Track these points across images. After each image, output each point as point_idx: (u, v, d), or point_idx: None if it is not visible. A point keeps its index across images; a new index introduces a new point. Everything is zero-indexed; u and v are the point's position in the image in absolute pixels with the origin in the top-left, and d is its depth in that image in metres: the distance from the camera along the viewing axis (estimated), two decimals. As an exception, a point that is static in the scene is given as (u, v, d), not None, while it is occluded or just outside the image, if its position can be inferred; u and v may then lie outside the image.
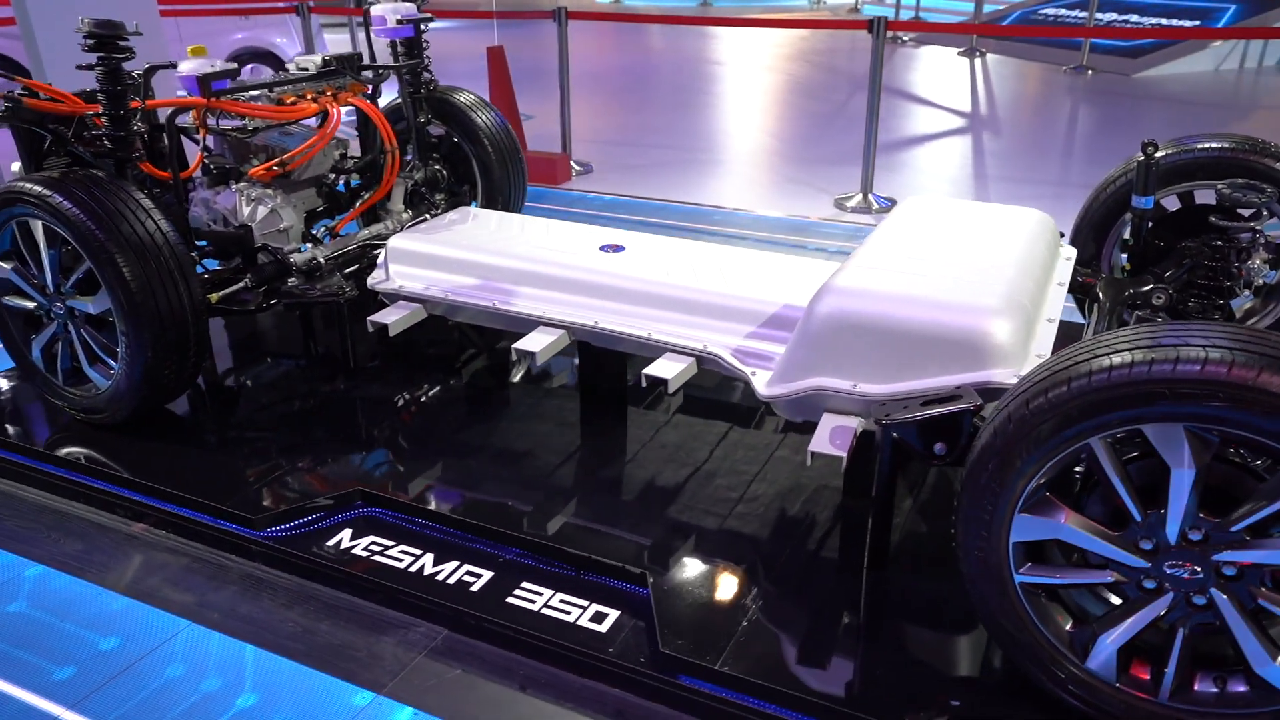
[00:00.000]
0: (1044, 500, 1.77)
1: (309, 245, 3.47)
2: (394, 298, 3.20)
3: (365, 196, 3.75)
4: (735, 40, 14.10)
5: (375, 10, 3.76)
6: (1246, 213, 2.82)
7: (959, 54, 12.26)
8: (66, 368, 3.07)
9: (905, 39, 13.43)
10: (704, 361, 2.71)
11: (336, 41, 9.40)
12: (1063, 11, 12.96)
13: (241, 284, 3.21)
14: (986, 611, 1.89)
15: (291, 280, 3.29)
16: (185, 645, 2.35)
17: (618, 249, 3.12)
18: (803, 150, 7.49)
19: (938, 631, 2.21)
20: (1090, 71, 10.61)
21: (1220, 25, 11.28)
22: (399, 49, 3.89)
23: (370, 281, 3.29)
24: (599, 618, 2.30)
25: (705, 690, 2.08)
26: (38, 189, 2.75)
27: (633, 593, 2.38)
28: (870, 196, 5.86)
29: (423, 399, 3.31)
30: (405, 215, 3.87)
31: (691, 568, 2.43)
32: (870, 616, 2.27)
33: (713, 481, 2.83)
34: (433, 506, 2.69)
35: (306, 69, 3.60)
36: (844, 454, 2.23)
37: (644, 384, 2.68)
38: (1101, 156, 7.12)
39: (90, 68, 2.91)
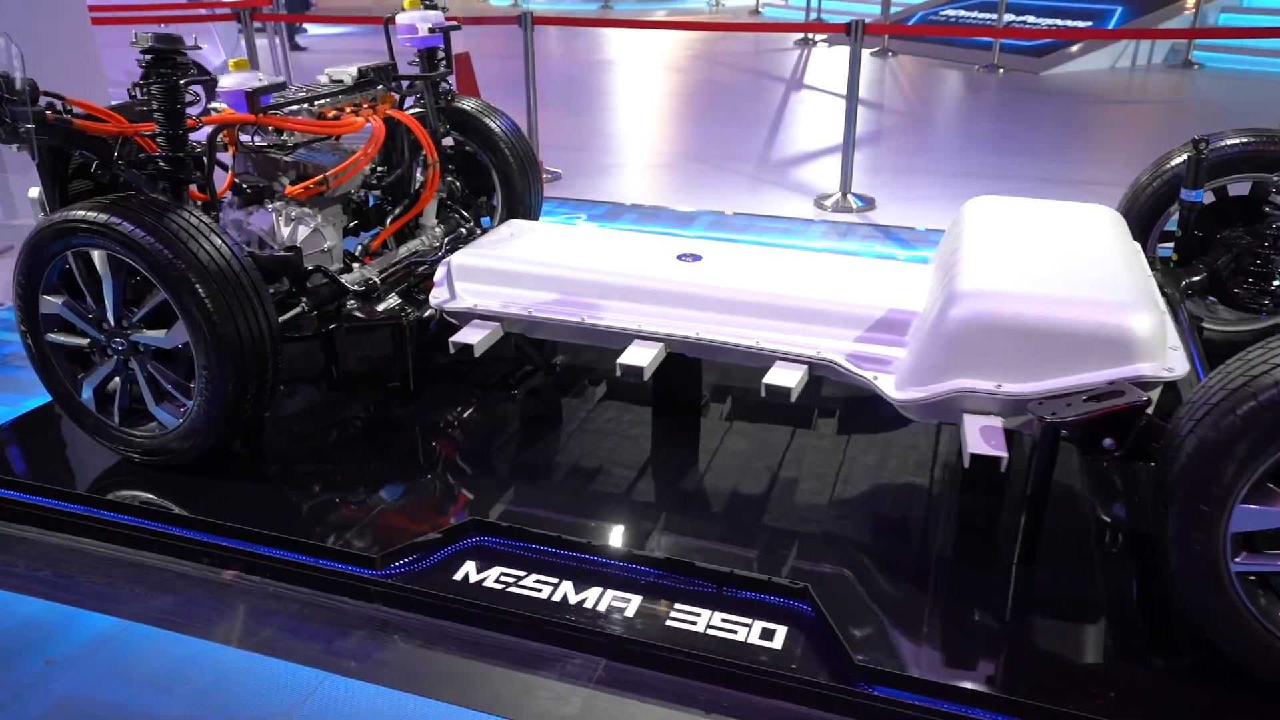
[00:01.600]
0: (1266, 491, 1.84)
1: (357, 265, 3.31)
2: (465, 317, 3.09)
3: (396, 212, 3.60)
4: (639, 42, 14.13)
5: (403, 19, 3.62)
6: None
7: (872, 54, 12.62)
8: (124, 407, 2.84)
9: (817, 40, 13.75)
10: (817, 368, 2.72)
11: (261, 47, 8.97)
12: (962, 12, 13.53)
13: (298, 309, 3.03)
14: (1197, 600, 1.96)
15: (351, 304, 3.13)
16: (330, 697, 2.21)
17: (695, 258, 3.09)
18: (763, 151, 7.58)
19: (1105, 622, 2.26)
20: (1001, 70, 11.10)
21: (1111, 26, 11.97)
22: (420, 59, 3.76)
23: (436, 301, 3.16)
24: (768, 634, 2.27)
25: (904, 700, 2.08)
26: (103, 217, 2.53)
27: (793, 607, 2.36)
28: (850, 196, 5.98)
29: (497, 419, 3.20)
30: (438, 230, 3.74)
31: (841, 577, 2.42)
32: (1040, 611, 2.30)
33: (798, 487, 2.84)
34: (551, 531, 2.60)
35: (341, 80, 3.44)
36: (1005, 454, 2.26)
37: (764, 394, 2.66)
38: (1031, 149, 7.46)
39: (145, 85, 2.70)
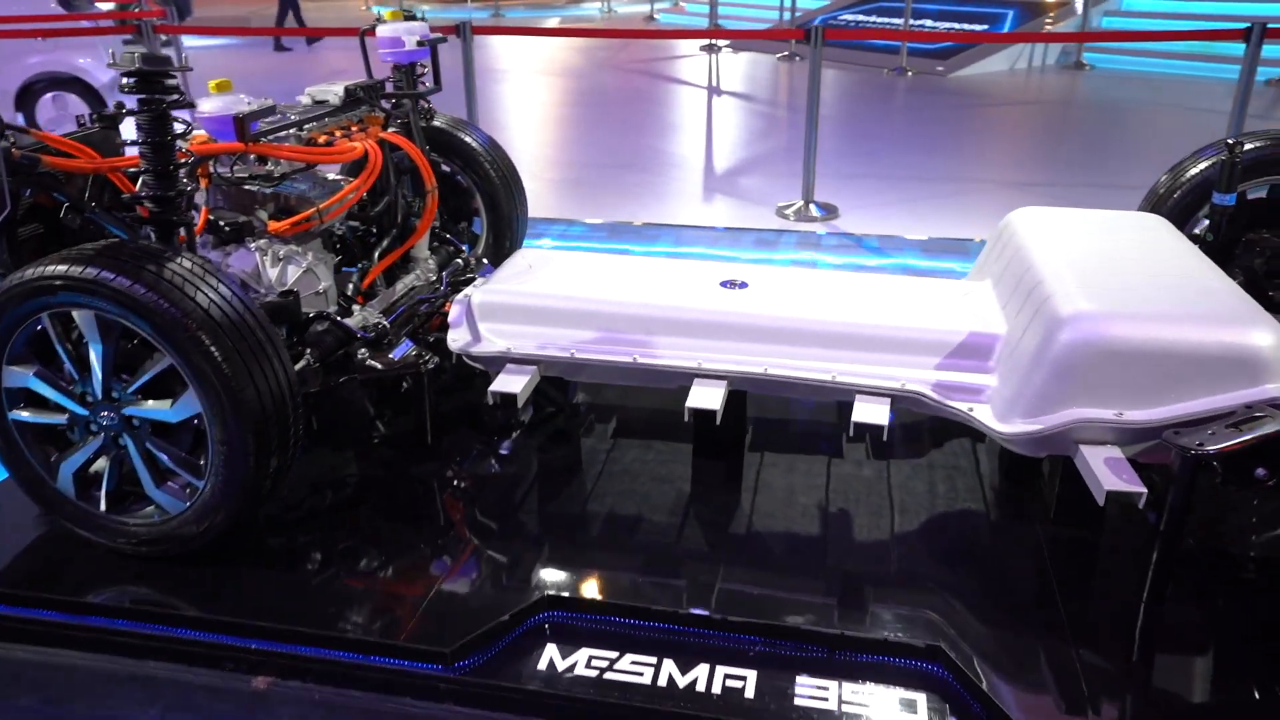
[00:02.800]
0: None
1: (356, 307, 2.95)
2: (494, 361, 2.77)
3: (386, 245, 3.24)
4: (534, 50, 13.82)
5: (386, 32, 3.26)
6: None
7: (779, 59, 12.68)
8: (110, 492, 2.42)
9: (723, 45, 13.73)
10: (901, 400, 2.53)
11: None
12: (861, 17, 13.75)
13: (304, 361, 2.66)
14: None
15: (362, 353, 2.77)
16: (424, 827, 1.88)
17: (741, 285, 2.86)
18: (705, 161, 7.42)
19: (1252, 652, 2.14)
20: (910, 73, 11.29)
21: (1004, 30, 12.34)
22: (402, 75, 3.40)
23: (457, 345, 2.83)
24: (908, 705, 2.06)
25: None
26: (92, 271, 2.12)
27: (921, 669, 2.15)
28: (811, 205, 5.86)
29: (523, 468, 2.89)
30: (432, 263, 3.40)
31: (963, 631, 2.23)
32: (1188, 650, 2.15)
33: (855, 523, 2.65)
34: (633, 602, 2.33)
35: (326, 101, 3.07)
36: (1144, 490, 2.11)
37: (851, 433, 2.46)
38: (968, 151, 7.54)
39: (131, 112, 2.29)
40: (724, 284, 2.87)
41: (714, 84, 11.29)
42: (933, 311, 2.69)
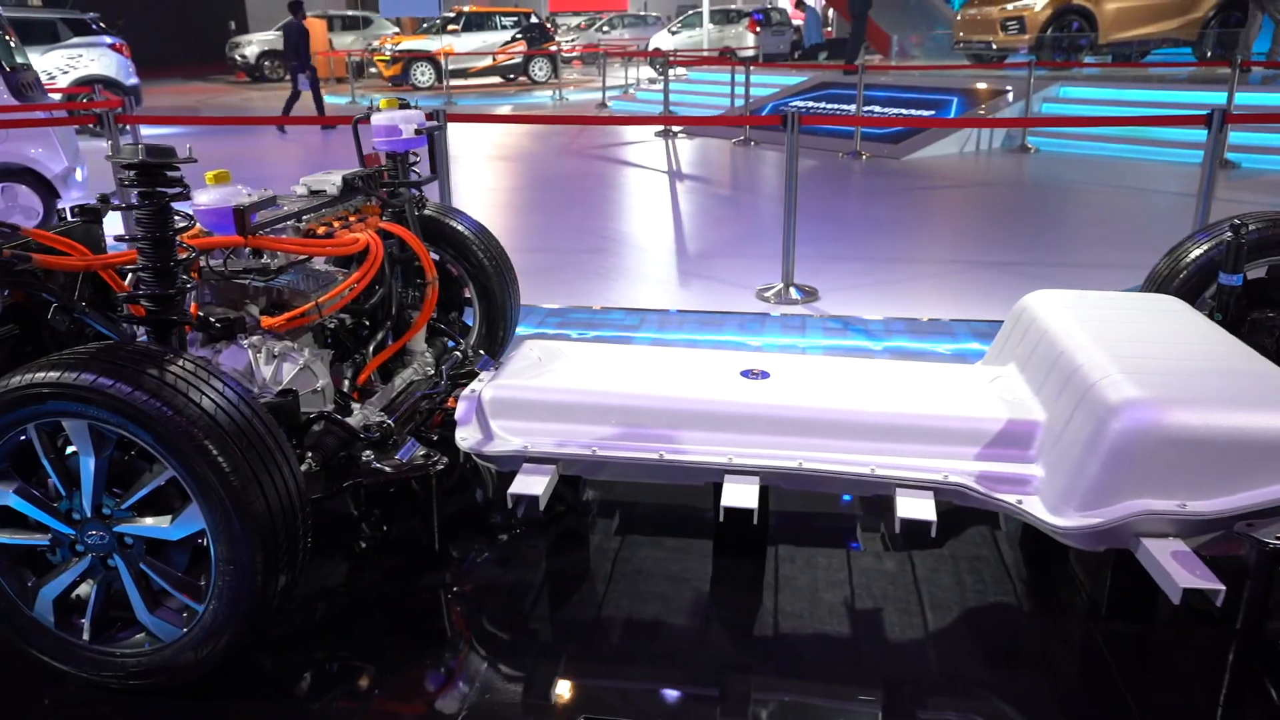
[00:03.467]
0: None
1: (357, 405, 2.78)
2: (508, 460, 2.62)
3: (380, 339, 3.09)
4: (477, 136, 13.94)
5: (382, 120, 3.16)
6: None
7: (734, 144, 12.91)
8: (93, 620, 2.18)
9: (676, 131, 13.96)
10: (944, 493, 2.42)
11: (94, 149, 8.08)
12: (811, 104, 14.12)
13: (306, 465, 2.48)
14: None
15: (367, 454, 2.60)
16: None
17: (764, 374, 2.76)
18: (676, 245, 7.40)
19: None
20: (864, 156, 11.54)
21: (950, 116, 12.74)
22: (396, 164, 3.30)
23: (468, 444, 2.67)
24: (988, 828, 1.90)
25: None
26: (88, 377, 1.94)
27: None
28: (791, 289, 5.84)
29: (547, 577, 2.71)
30: (428, 355, 3.25)
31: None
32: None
33: (884, 621, 2.51)
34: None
35: (323, 190, 2.94)
36: (1221, 586, 2.02)
37: (898, 529, 2.34)
38: (935, 232, 7.66)
39: (128, 206, 2.14)
40: (745, 373, 2.77)
41: (674, 168, 11.42)
42: (965, 399, 2.61)
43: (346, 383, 2.92)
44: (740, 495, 2.41)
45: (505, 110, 18.83)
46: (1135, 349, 2.47)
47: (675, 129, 13.97)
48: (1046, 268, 6.49)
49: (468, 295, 3.71)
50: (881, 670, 2.31)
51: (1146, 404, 2.18)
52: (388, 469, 2.54)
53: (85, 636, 2.17)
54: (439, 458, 2.64)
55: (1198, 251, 3.37)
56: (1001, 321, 3.07)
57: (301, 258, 2.73)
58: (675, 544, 2.87)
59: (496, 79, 23.98)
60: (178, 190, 2.17)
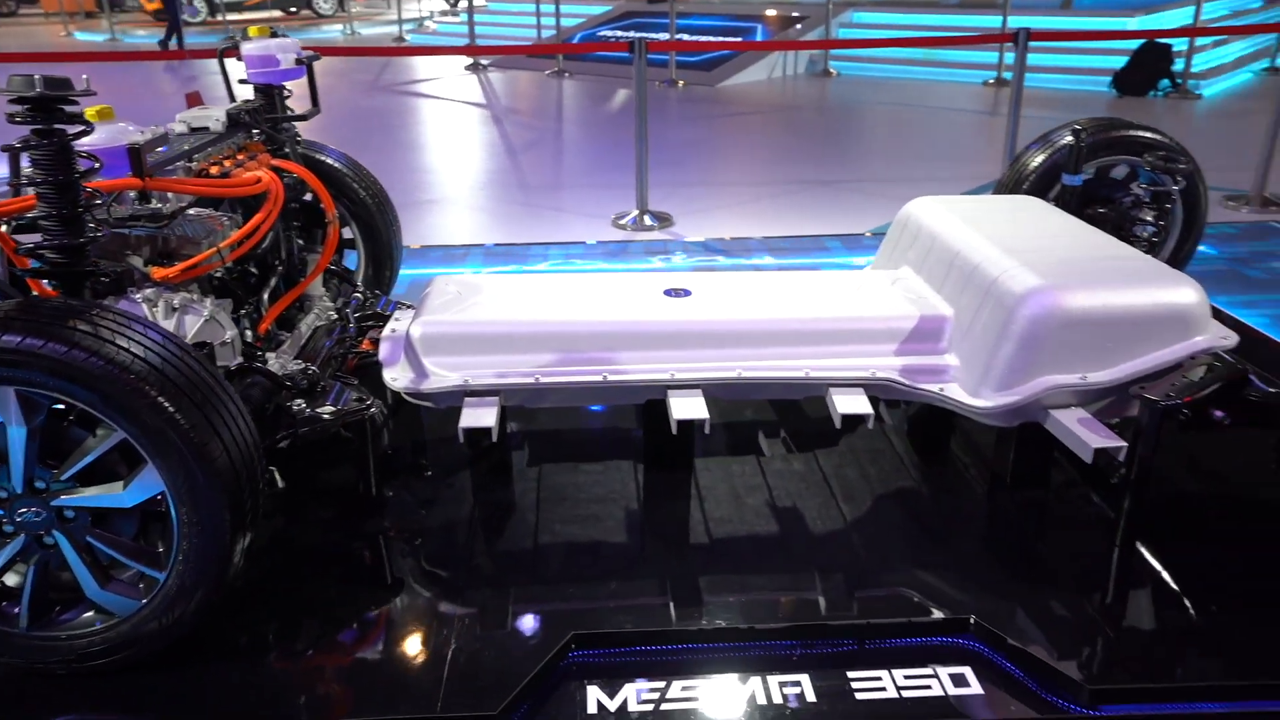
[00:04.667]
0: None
1: (271, 355, 2.64)
2: (449, 396, 2.58)
3: (274, 284, 2.93)
4: None
5: (255, 50, 2.93)
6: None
7: (549, 75, 12.74)
8: (30, 604, 1.99)
9: (486, 64, 13.60)
10: (873, 388, 2.60)
11: None
12: (619, 33, 14.09)
13: (238, 421, 2.34)
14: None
15: (298, 404, 2.48)
16: None
17: (685, 292, 2.83)
18: (512, 180, 7.30)
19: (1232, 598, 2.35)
20: (680, 84, 11.71)
21: (755, 41, 13.11)
22: (274, 96, 3.09)
23: (400, 383, 2.61)
24: (959, 680, 2.11)
25: (1139, 713, 2.02)
26: (8, 339, 1.75)
27: (957, 645, 2.21)
28: (646, 215, 5.93)
29: (486, 513, 2.71)
30: (326, 300, 3.11)
31: (984, 599, 2.31)
32: (1171, 591, 2.34)
33: (804, 515, 2.69)
34: (655, 626, 2.24)
35: (205, 128, 2.72)
36: (1124, 444, 2.29)
37: (838, 424, 2.50)
38: (756, 153, 7.95)
39: (24, 147, 1.91)
40: (668, 292, 2.83)
41: (494, 103, 11.16)
42: (877, 301, 2.79)
43: (248, 333, 2.76)
44: (691, 408, 2.49)
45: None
46: (1023, 244, 2.71)
47: (485, 62, 13.60)
48: (876, 183, 6.90)
49: (348, 235, 3.55)
50: (813, 560, 2.47)
51: (1048, 291, 2.42)
52: (326, 416, 2.44)
53: (23, 624, 1.98)
54: (372, 401, 2.56)
55: (1039, 159, 3.70)
56: (856, 234, 3.27)
57: (190, 201, 2.53)
58: (593, 468, 2.92)
59: (276, 12, 22.37)
60: (81, 128, 1.96)
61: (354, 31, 19.51)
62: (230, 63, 3.18)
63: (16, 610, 2.00)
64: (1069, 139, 3.46)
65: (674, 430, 2.46)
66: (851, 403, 2.51)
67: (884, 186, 6.77)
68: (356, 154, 3.57)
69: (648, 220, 5.91)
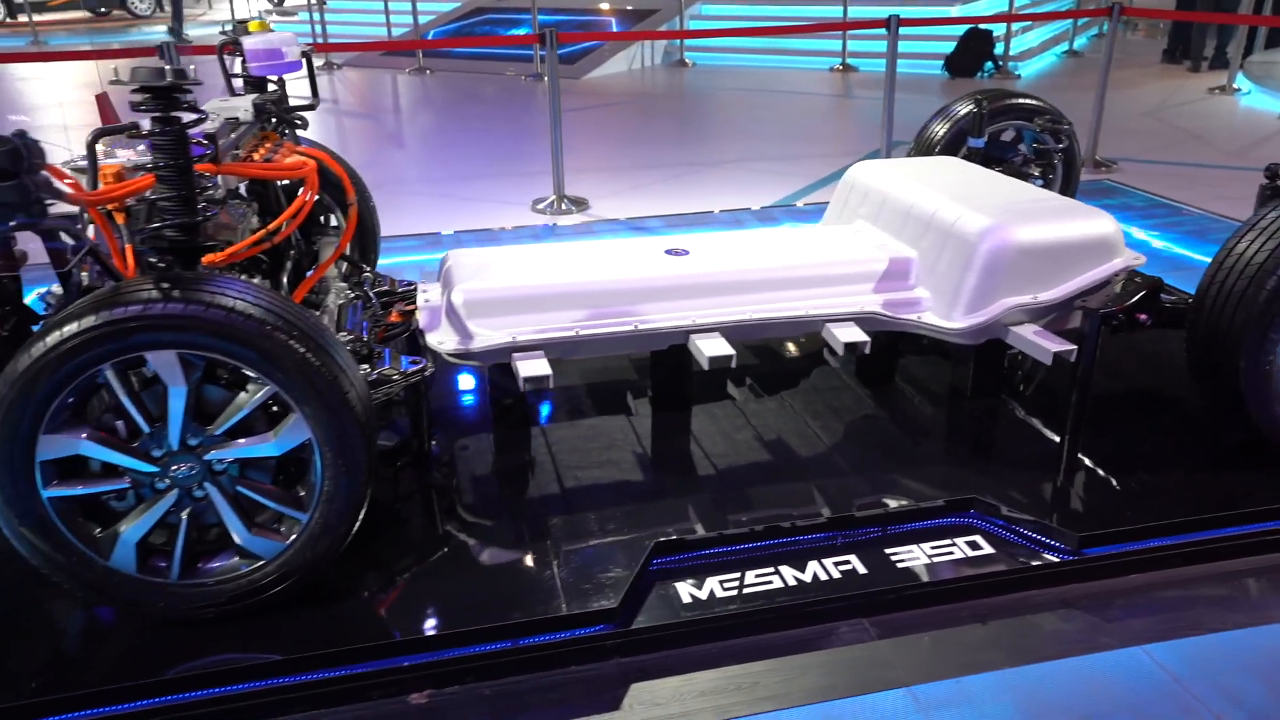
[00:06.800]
0: None
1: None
2: (496, 354, 2.83)
3: (290, 263, 3.09)
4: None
5: (256, 43, 3.07)
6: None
7: (410, 73, 12.72)
8: (182, 555, 2.15)
9: (339, 64, 13.42)
10: (862, 322, 3.03)
11: None
12: (489, 26, 14.19)
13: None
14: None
15: (363, 368, 2.68)
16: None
17: (684, 251, 3.19)
18: (414, 176, 7.41)
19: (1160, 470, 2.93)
20: (546, 78, 11.95)
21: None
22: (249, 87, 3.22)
23: (446, 346, 2.84)
24: (974, 545, 2.58)
25: (1114, 552, 2.53)
26: (173, 307, 1.92)
27: (962, 522, 2.67)
28: (564, 200, 6.22)
29: (526, 461, 2.98)
30: (340, 282, 3.28)
31: (971, 484, 2.78)
32: (1110, 466, 2.89)
33: (789, 445, 3.05)
34: (717, 530, 2.60)
35: (235, 117, 2.85)
36: (1075, 347, 2.82)
37: (840, 352, 2.91)
38: (633, 141, 8.37)
39: (146, 135, 2.06)
40: (669, 252, 3.17)
41: (359, 101, 11.09)
42: (850, 249, 3.23)
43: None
44: (716, 347, 2.84)
45: (117, 46, 16.72)
46: (965, 193, 3.21)
47: (337, 62, 13.42)
48: (762, 161, 7.43)
49: (334, 222, 3.70)
50: (809, 478, 2.87)
51: (1000, 228, 2.93)
52: (395, 376, 2.65)
53: (175, 574, 2.14)
54: (427, 363, 2.79)
55: (943, 129, 4.25)
56: (758, 208, 3.65)
57: (237, 184, 2.68)
58: (593, 422, 3.24)
59: (83, 13, 21.02)
60: (198, 115, 2.12)
61: (184, 34, 18.61)
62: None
63: (164, 564, 2.15)
64: (972, 107, 4.03)
65: (706, 368, 2.82)
66: (850, 334, 2.94)
67: (771, 164, 7.31)
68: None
69: (564, 205, 6.20)
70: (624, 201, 6.36)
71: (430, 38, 13.92)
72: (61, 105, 10.52)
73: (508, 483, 2.87)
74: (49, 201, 1.96)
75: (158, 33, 18.95)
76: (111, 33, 19.23)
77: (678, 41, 13.36)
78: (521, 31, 13.04)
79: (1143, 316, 2.84)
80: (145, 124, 2.14)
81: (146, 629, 2.21)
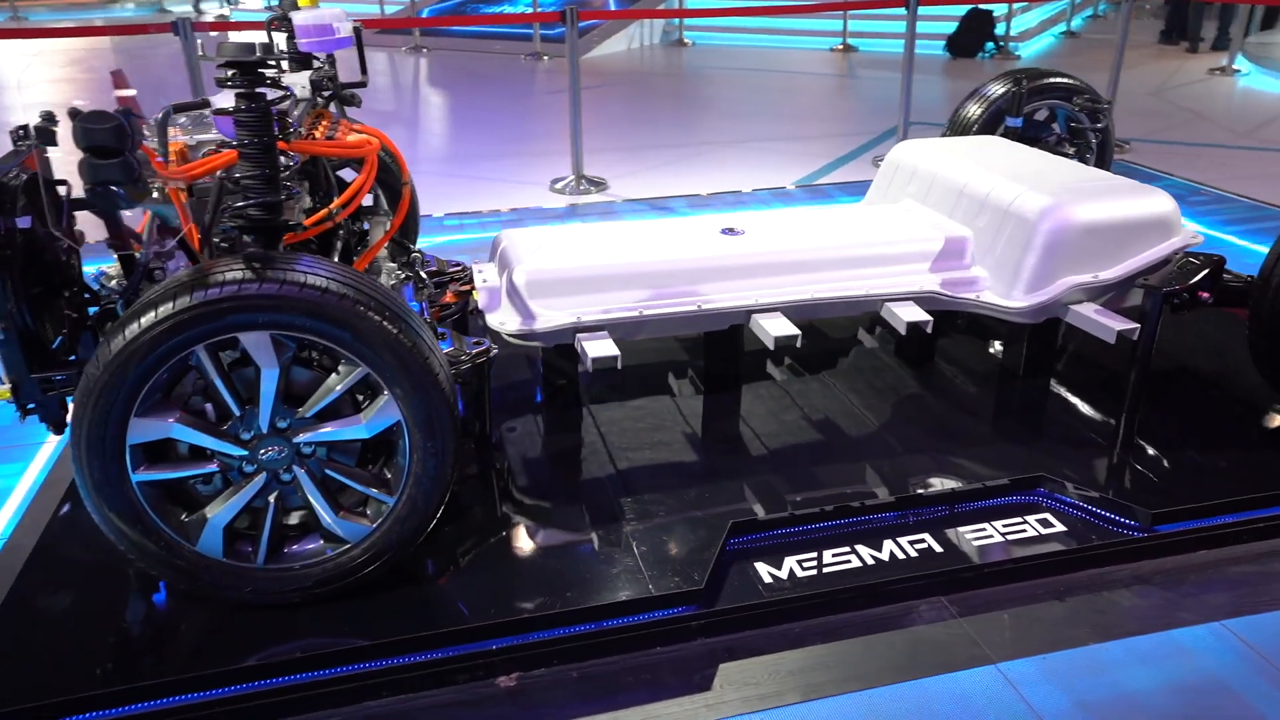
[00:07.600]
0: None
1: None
2: (559, 335, 2.81)
3: (340, 243, 3.05)
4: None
5: (308, 19, 3.00)
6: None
7: (407, 51, 12.58)
8: (269, 539, 2.12)
9: (336, 42, 13.22)
10: (921, 301, 3.02)
11: None
12: (480, 4, 14.05)
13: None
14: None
15: (430, 348, 2.65)
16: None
17: (739, 231, 3.16)
18: (428, 155, 7.34)
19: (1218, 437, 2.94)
20: (546, 58, 11.86)
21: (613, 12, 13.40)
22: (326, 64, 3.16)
23: (508, 326, 2.81)
24: (1046, 524, 2.58)
25: (1187, 528, 2.54)
26: (268, 287, 1.89)
27: (1030, 500, 2.68)
28: (582, 180, 6.17)
29: (559, 447, 2.96)
30: (390, 263, 3.24)
31: (1035, 461, 2.78)
32: (1170, 444, 2.90)
33: (837, 424, 3.05)
34: (789, 511, 2.59)
35: (292, 92, 2.80)
36: (1138, 325, 2.82)
37: (904, 331, 2.91)
38: (647, 121, 8.32)
39: (231, 112, 2.02)
40: (724, 231, 3.15)
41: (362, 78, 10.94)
42: (904, 228, 3.22)
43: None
44: (780, 326, 2.82)
45: (100, 22, 16.42)
46: (1018, 172, 3.20)
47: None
48: (779, 141, 7.40)
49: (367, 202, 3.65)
50: (865, 459, 2.87)
51: (1060, 207, 2.92)
52: (463, 358, 2.62)
53: (262, 559, 2.11)
54: (489, 344, 2.76)
55: (976, 109, 4.24)
56: (792, 186, 3.65)
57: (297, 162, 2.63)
58: (639, 403, 3.22)
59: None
60: (284, 93, 2.08)
61: (163, 10, 18.32)
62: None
63: (249, 549, 2.12)
64: (1011, 86, 4.02)
65: (771, 347, 2.80)
66: (911, 313, 2.93)
67: (784, 144, 7.29)
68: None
69: (583, 185, 6.15)
70: (642, 181, 6.32)
71: (425, 15, 13.76)
72: (54, 83, 10.33)
73: (562, 464, 2.85)
74: (152, 180, 1.91)
75: (127, 9, 18.70)
76: (94, 8, 18.89)
77: (675, 20, 13.27)
78: (517, 9, 12.90)
79: (1205, 295, 2.85)
80: (219, 101, 2.10)
81: (224, 614, 2.18)
